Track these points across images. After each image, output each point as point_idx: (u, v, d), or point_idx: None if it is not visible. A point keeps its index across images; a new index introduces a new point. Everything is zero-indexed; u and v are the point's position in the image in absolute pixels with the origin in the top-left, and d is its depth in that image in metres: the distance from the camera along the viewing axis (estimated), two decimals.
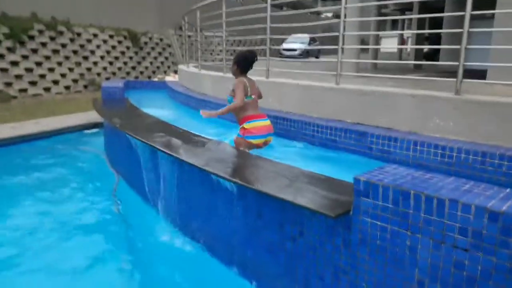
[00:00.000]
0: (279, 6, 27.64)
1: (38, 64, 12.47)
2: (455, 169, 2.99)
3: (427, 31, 6.47)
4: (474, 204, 1.50)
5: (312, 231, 2.09)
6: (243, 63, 3.78)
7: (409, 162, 3.28)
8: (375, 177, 1.81)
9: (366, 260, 1.88)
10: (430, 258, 1.65)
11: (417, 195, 1.65)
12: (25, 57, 12.10)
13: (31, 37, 12.45)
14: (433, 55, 15.91)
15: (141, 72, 16.65)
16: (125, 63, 15.95)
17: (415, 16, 10.83)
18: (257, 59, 3.87)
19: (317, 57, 21.54)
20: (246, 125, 3.64)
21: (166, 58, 18.18)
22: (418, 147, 3.23)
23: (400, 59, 18.54)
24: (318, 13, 38.83)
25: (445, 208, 1.58)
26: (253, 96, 3.75)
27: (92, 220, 3.71)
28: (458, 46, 3.33)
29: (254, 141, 3.65)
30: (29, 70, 12.13)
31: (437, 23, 17.02)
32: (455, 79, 3.40)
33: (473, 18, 3.23)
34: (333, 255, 2.02)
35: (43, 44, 12.80)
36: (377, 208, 1.79)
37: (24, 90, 11.80)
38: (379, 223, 1.79)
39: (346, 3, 4.20)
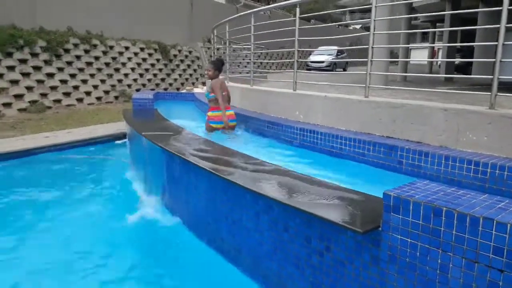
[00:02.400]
0: (307, 19, 27.78)
1: (72, 76, 12.96)
2: (489, 186, 2.88)
3: (459, 44, 6.33)
4: (510, 223, 1.45)
5: (339, 246, 2.06)
6: (219, 68, 5.42)
7: (440, 177, 3.18)
8: (405, 192, 1.78)
9: (395, 278, 1.83)
10: (462, 278, 1.60)
11: (449, 212, 1.60)
12: (60, 69, 12.61)
13: (67, 50, 12.98)
14: (465, 67, 15.53)
15: (170, 84, 17.01)
16: (155, 75, 16.35)
17: (447, 29, 10.62)
18: (222, 63, 5.57)
19: (344, 69, 21.42)
20: (210, 113, 5.24)
21: (195, 70, 18.52)
22: (450, 162, 3.14)
23: (431, 71, 18.18)
24: (346, 25, 38.71)
25: (479, 226, 1.52)
26: (224, 93, 5.24)
27: (117, 228, 3.78)
28: (492, 59, 3.24)
29: (213, 125, 5.21)
30: (63, 81, 12.62)
31: (469, 35, 16.63)
32: (489, 93, 3.30)
33: (507, 30, 3.15)
34: (360, 272, 1.98)
35: (78, 57, 13.31)
36: (407, 224, 1.74)
37: (59, 101, 12.27)
38: (409, 240, 1.75)
39: (376, 16, 4.17)
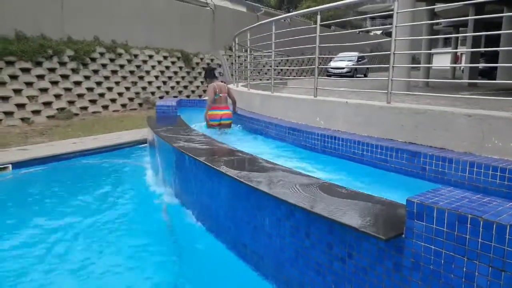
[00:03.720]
0: (328, 26, 27.70)
1: (98, 83, 13.31)
2: None
3: (483, 49, 6.22)
4: None
5: (362, 253, 2.06)
6: (208, 74, 6.93)
7: (465, 184, 3.14)
8: (429, 199, 1.77)
9: (418, 286, 1.82)
10: (488, 287, 1.58)
11: (474, 220, 1.59)
12: (87, 77, 12.97)
13: (93, 59, 13.35)
14: (490, 72, 15.16)
15: (193, 91, 17.24)
16: (177, 83, 16.61)
17: (470, 34, 10.44)
18: (215, 69, 6.86)
19: (365, 75, 21.23)
20: (209, 112, 6.29)
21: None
22: (475, 169, 3.09)
23: (454, 76, 17.83)
24: (367, 31, 38.41)
25: (506, 234, 1.51)
26: (220, 95, 6.30)
27: (141, 233, 3.86)
28: None
29: (211, 122, 6.27)
30: (90, 89, 12.97)
31: (493, 39, 16.25)
32: None
33: None
34: (383, 279, 1.97)
35: (103, 65, 13.67)
36: (431, 231, 1.74)
37: (85, 108, 12.61)
38: (433, 247, 1.74)
39: (397, 22, 4.16)
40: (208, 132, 5.89)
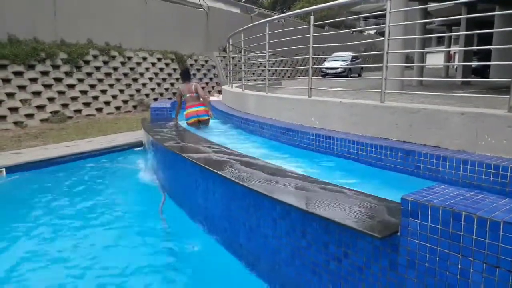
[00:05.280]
0: (321, 26, 27.77)
1: (92, 86, 13.25)
2: (510, 190, 2.84)
3: (476, 48, 6.27)
4: None
5: (357, 252, 2.07)
6: (181, 76, 6.98)
7: (459, 182, 3.15)
8: (423, 197, 1.78)
9: (414, 283, 1.82)
10: (483, 284, 1.59)
11: (468, 217, 1.60)
12: (80, 80, 12.90)
13: (87, 62, 13.29)
14: (483, 70, 15.26)
15: None
16: (172, 84, 16.58)
17: (463, 33, 10.50)
18: (187, 71, 6.99)
19: (359, 75, 21.30)
20: (184, 112, 6.64)
21: (211, 79, 18.70)
22: (469, 166, 3.11)
23: (447, 74, 17.93)
24: (361, 31, 38.55)
25: (500, 231, 1.51)
26: (187, 95, 6.59)
27: (138, 235, 3.85)
28: (511, 62, 3.21)
29: (188, 121, 6.58)
30: (83, 92, 12.91)
31: (486, 38, 16.36)
32: (507, 96, 3.26)
33: None
34: (379, 278, 1.98)
35: (97, 68, 13.61)
36: (426, 229, 1.74)
37: (79, 111, 12.54)
38: (428, 245, 1.75)
39: (390, 22, 4.17)
40: (194, 130, 6.08)
